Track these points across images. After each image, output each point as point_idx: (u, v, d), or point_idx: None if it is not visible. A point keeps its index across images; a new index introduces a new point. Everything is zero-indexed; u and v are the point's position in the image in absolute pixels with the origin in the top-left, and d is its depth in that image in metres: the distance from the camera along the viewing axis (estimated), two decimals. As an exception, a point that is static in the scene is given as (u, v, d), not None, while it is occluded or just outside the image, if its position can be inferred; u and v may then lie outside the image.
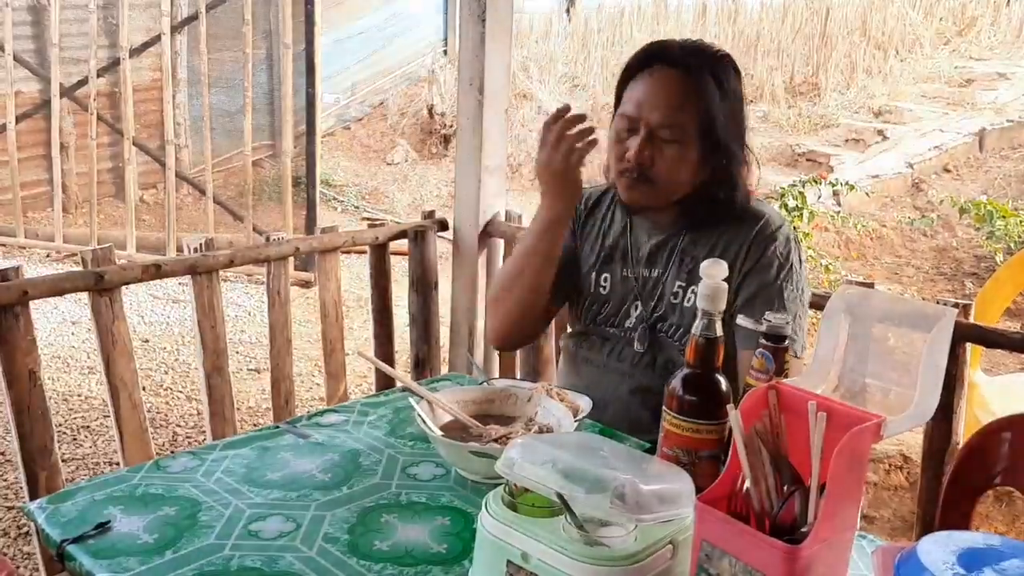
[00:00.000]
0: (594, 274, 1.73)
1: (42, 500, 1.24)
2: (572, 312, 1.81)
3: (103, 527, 1.16)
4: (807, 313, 1.62)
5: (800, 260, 1.62)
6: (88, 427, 3.51)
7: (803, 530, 0.91)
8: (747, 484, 0.96)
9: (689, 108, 1.54)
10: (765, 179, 6.60)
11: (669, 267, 1.65)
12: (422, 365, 2.84)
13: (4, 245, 5.75)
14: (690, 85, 1.54)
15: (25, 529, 2.76)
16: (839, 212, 5.93)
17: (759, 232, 1.59)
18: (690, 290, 1.62)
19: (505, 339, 1.86)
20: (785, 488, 0.96)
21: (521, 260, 1.69)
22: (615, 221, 1.73)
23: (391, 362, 2.83)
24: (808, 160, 6.91)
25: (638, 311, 1.68)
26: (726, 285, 1.15)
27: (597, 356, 1.71)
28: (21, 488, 2.15)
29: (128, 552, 1.11)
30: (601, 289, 1.72)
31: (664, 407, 1.17)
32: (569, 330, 1.83)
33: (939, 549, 0.79)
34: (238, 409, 2.67)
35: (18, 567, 2.57)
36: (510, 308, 1.71)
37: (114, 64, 5.82)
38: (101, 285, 2.13)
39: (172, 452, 3.23)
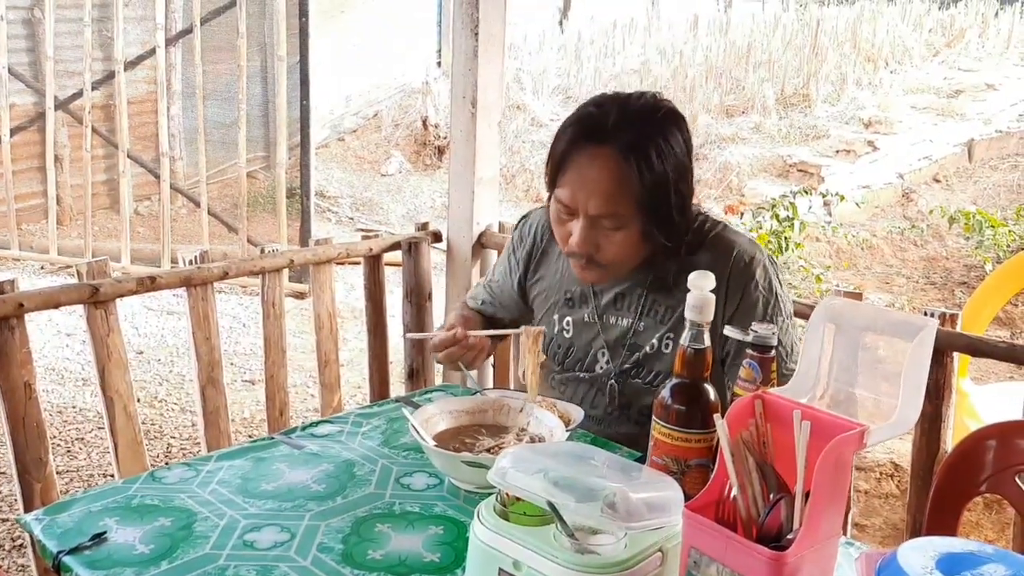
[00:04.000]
0: (556, 316, 1.71)
1: (38, 512, 1.25)
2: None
3: (99, 538, 1.17)
4: (798, 336, 1.57)
5: (780, 283, 1.58)
6: (82, 439, 3.51)
7: (789, 537, 0.93)
8: (734, 492, 0.98)
9: (627, 192, 1.44)
10: (756, 190, 6.65)
11: (641, 315, 1.61)
12: (416, 375, 2.85)
13: (-2, 257, 5.75)
14: (626, 167, 1.43)
15: (20, 541, 2.76)
16: (830, 222, 5.97)
17: (734, 267, 1.53)
18: (666, 336, 1.58)
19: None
20: (771, 495, 0.98)
21: None
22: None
23: (385, 373, 2.84)
24: (799, 171, 6.96)
25: (605, 357, 1.65)
26: (713, 296, 1.16)
27: (570, 401, 1.67)
28: (15, 500, 2.16)
29: (124, 563, 1.12)
30: (565, 332, 1.70)
31: (654, 416, 1.19)
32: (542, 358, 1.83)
33: (918, 554, 0.81)
34: (232, 420, 2.68)
35: (12, 579, 2.58)
36: None
37: (109, 77, 5.84)
38: (96, 297, 2.14)
39: (167, 463, 3.23)
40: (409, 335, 1.87)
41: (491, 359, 2.85)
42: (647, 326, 1.60)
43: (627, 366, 1.62)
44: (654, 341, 1.59)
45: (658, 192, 1.45)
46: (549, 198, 1.58)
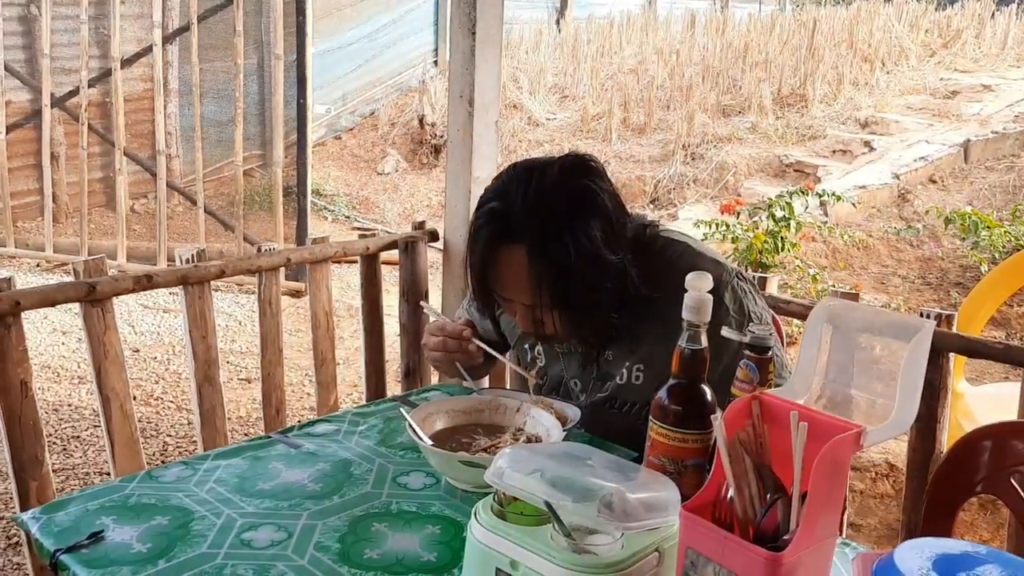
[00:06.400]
0: (527, 346, 1.71)
1: (35, 510, 1.25)
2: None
3: (96, 537, 1.17)
4: (779, 341, 1.54)
5: (753, 296, 1.54)
6: (78, 437, 3.50)
7: (785, 537, 0.93)
8: (731, 492, 0.98)
9: (548, 280, 1.42)
10: (753, 189, 6.66)
11: (607, 346, 1.57)
12: (412, 375, 2.85)
13: (-7, 255, 5.74)
14: (540, 263, 1.41)
15: (15, 539, 2.75)
16: (826, 222, 5.97)
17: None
18: (636, 368, 1.56)
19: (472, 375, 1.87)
20: (768, 496, 0.98)
21: None
22: None
23: (381, 372, 2.84)
24: (796, 171, 6.96)
25: (578, 387, 1.64)
26: (711, 297, 1.17)
27: None
28: (11, 498, 2.16)
29: (121, 561, 1.12)
30: (537, 360, 1.69)
31: (651, 417, 1.19)
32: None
33: (915, 556, 0.82)
34: (229, 419, 2.67)
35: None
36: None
37: (105, 74, 5.82)
38: (93, 296, 2.13)
39: (163, 462, 3.23)
40: (425, 304, 1.86)
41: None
42: (615, 355, 1.58)
43: (600, 396, 1.61)
44: (623, 371, 1.58)
45: (580, 269, 1.42)
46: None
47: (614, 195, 1.49)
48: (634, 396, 1.57)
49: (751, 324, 1.18)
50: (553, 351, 1.66)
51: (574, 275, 1.41)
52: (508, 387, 2.61)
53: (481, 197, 1.50)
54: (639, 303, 1.50)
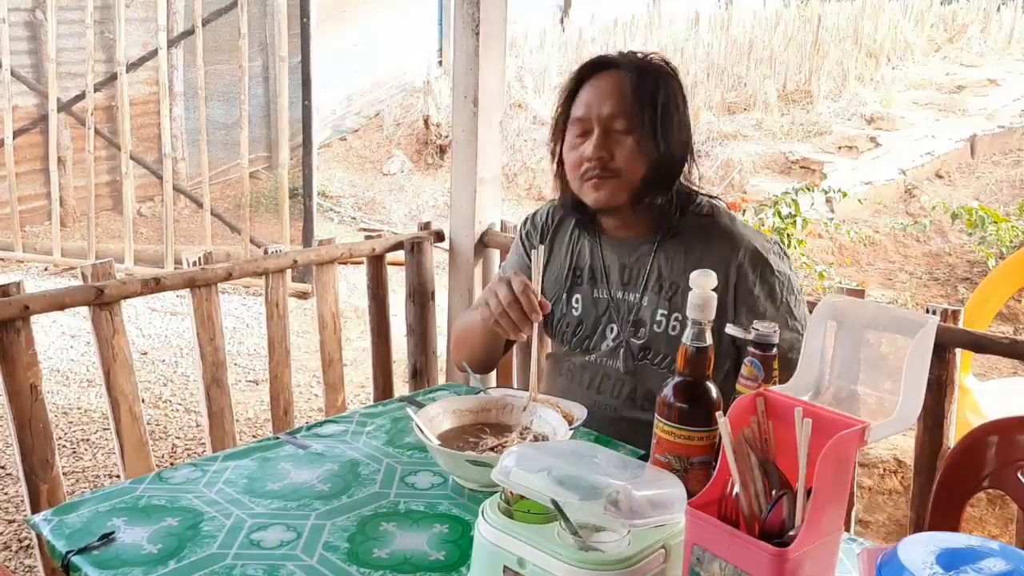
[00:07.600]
0: (565, 295, 1.74)
1: (47, 512, 1.26)
2: (547, 331, 1.80)
3: (107, 538, 1.18)
4: (802, 301, 1.65)
5: (790, 265, 1.65)
6: (88, 440, 3.52)
7: (791, 533, 0.94)
8: (736, 489, 0.99)
9: (637, 100, 1.58)
10: (759, 187, 6.65)
11: (646, 290, 1.65)
12: (419, 375, 2.86)
13: (2, 259, 5.77)
14: (636, 82, 1.58)
15: (27, 542, 2.77)
16: (832, 219, 5.97)
17: (749, 256, 1.59)
18: (673, 318, 1.62)
19: (478, 369, 1.88)
20: (773, 492, 0.98)
21: (472, 330, 1.75)
22: (582, 242, 1.74)
23: (388, 373, 2.85)
24: (801, 167, 6.96)
25: (614, 333, 1.68)
26: (715, 295, 1.17)
27: (577, 388, 1.70)
28: (22, 501, 2.17)
29: (132, 562, 1.13)
30: (574, 310, 1.72)
31: (656, 414, 1.19)
32: (548, 350, 1.84)
33: (919, 549, 0.82)
34: (237, 421, 2.69)
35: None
36: (474, 350, 1.78)
37: (111, 78, 5.85)
38: (101, 299, 2.15)
39: (172, 464, 3.25)
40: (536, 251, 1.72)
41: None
42: (650, 300, 1.64)
43: (634, 341, 1.65)
44: (659, 318, 1.62)
45: (665, 109, 1.58)
46: (558, 145, 1.66)
47: None
48: (669, 348, 1.61)
49: (756, 321, 1.18)
50: (590, 297, 1.70)
51: (658, 108, 1.58)
52: (515, 387, 2.62)
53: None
54: (678, 250, 1.62)
